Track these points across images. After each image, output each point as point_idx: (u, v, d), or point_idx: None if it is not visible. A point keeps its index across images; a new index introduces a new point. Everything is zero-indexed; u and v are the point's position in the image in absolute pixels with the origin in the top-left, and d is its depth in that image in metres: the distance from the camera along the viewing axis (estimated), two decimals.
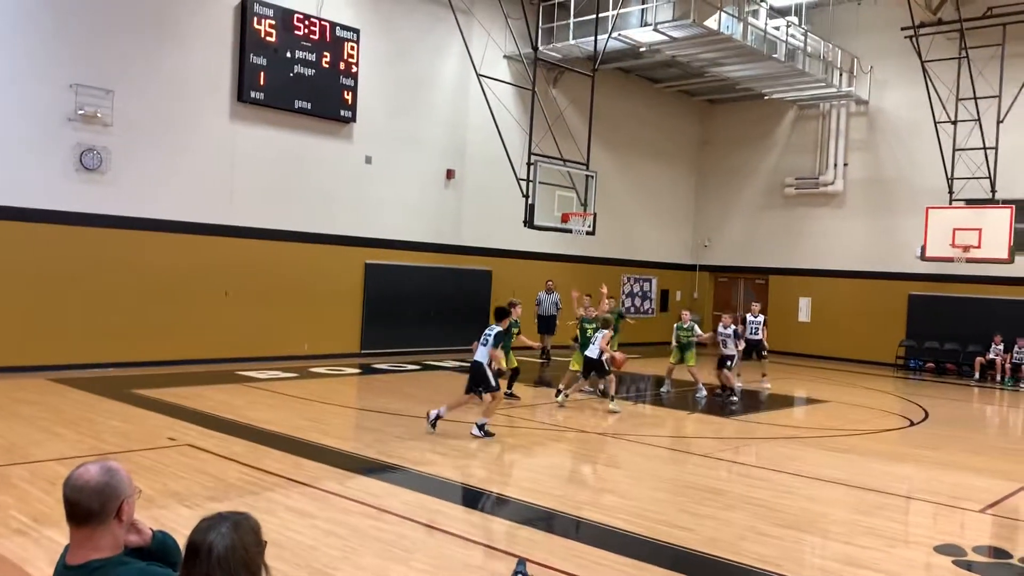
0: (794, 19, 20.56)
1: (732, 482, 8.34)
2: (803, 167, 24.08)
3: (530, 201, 15.92)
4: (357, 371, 15.57)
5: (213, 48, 14.89)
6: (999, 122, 18.84)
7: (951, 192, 19.18)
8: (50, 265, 13.09)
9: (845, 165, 23.15)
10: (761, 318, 16.48)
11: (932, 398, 16.07)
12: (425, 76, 18.40)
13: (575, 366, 13.05)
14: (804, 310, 23.67)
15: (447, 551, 5.76)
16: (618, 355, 12.64)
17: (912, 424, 12.92)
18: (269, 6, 15.33)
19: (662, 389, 14.82)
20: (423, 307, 18.38)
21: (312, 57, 15.97)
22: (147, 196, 14.10)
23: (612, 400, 12.31)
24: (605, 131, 21.21)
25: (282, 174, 15.94)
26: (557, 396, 12.61)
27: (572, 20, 18.79)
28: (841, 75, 21.94)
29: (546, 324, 18.54)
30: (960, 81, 18.67)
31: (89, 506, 2.43)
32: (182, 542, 2.37)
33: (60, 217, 13.13)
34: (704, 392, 14.42)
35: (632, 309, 24.11)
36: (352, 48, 16.62)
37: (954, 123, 18.94)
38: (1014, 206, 18.14)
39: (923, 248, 18.70)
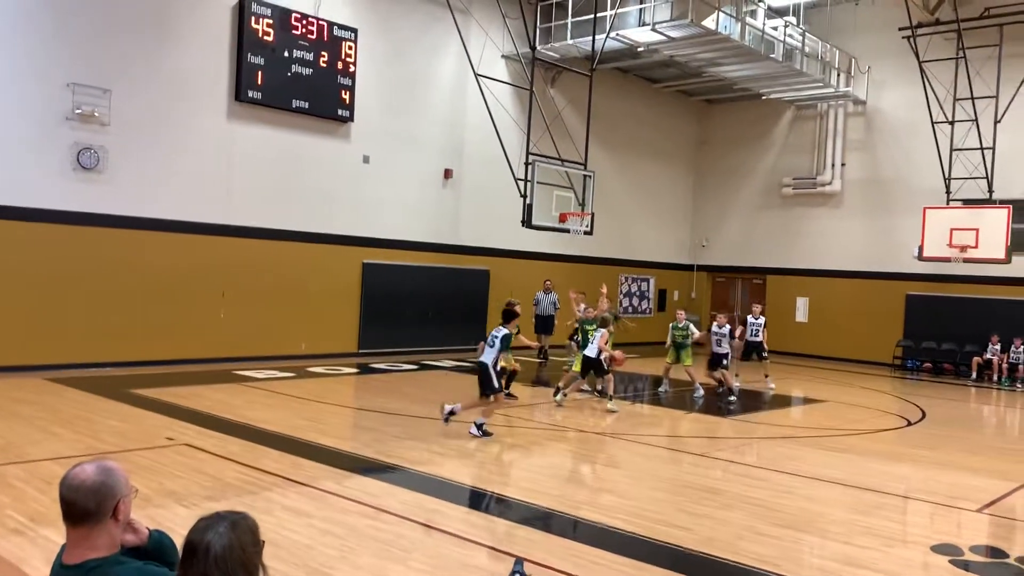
0: (792, 19, 20.58)
1: (730, 482, 8.34)
2: (801, 167, 24.10)
3: (528, 201, 15.92)
4: (355, 371, 15.56)
5: (211, 47, 14.87)
6: (996, 122, 18.88)
7: (948, 192, 19.21)
8: (47, 265, 13.06)
9: (843, 165, 23.18)
10: (762, 319, 16.40)
11: (929, 398, 16.09)
12: (423, 76, 18.39)
13: (576, 367, 13.05)
14: (801, 310, 23.70)
15: (445, 551, 5.75)
16: (617, 354, 12.65)
17: (909, 424, 12.94)
18: (267, 5, 15.31)
19: (660, 389, 14.83)
20: (421, 307, 18.38)
21: (310, 57, 15.96)
22: (145, 195, 14.08)
23: (610, 400, 12.32)
24: (603, 131, 21.22)
25: (280, 174, 15.93)
26: (555, 395, 12.61)
27: (570, 20, 18.79)
28: (839, 75, 21.96)
29: (544, 324, 18.53)
30: (957, 81, 18.70)
31: (85, 506, 2.42)
32: (180, 542, 2.36)
33: (57, 216, 13.11)
34: (701, 392, 14.43)
35: (630, 309, 24.13)
36: (350, 48, 16.61)
37: (951, 123, 18.97)
38: (1011, 206, 18.17)
39: (920, 248, 18.71)
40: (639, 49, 19.44)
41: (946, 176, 19.13)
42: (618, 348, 13.21)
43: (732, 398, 14.13)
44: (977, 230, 17.89)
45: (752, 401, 14.72)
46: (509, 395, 12.59)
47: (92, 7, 13.41)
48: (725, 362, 14.48)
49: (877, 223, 22.26)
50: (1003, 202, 18.58)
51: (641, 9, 18.26)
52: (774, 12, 20.25)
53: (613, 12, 17.63)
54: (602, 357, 12.27)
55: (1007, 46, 19.02)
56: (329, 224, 16.72)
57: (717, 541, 6.22)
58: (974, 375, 19.76)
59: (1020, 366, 19.07)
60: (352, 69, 16.64)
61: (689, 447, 10.41)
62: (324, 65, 16.17)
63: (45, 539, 5.43)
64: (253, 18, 15.12)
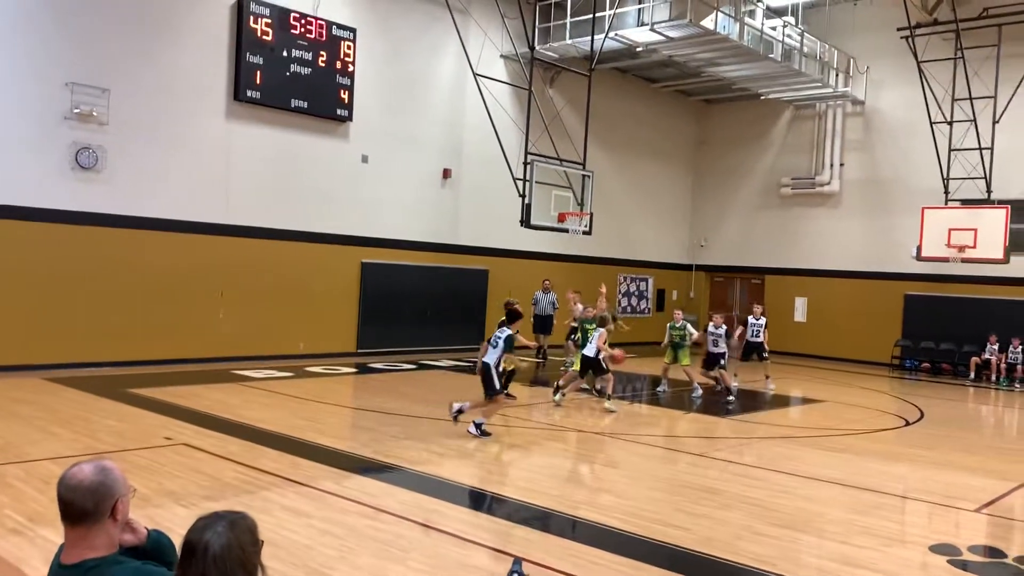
0: (790, 19, 20.59)
1: (728, 482, 8.34)
2: (799, 167, 24.12)
3: (527, 201, 15.91)
4: (353, 370, 15.56)
5: (209, 47, 14.86)
6: (995, 122, 18.90)
7: (947, 192, 19.22)
8: (46, 264, 13.05)
9: (841, 165, 23.19)
10: (763, 320, 16.25)
11: (928, 398, 16.10)
12: (422, 75, 18.38)
13: (576, 366, 13.07)
14: (800, 310, 23.71)
15: (443, 551, 5.75)
16: (617, 352, 12.63)
17: (908, 424, 12.95)
18: (266, 5, 15.30)
19: (659, 389, 14.83)
20: (419, 306, 18.37)
21: (308, 56, 15.95)
22: (143, 195, 14.07)
23: (609, 399, 12.32)
24: (602, 131, 21.23)
25: (278, 173, 15.92)
26: (555, 395, 12.61)
27: (569, 20, 18.80)
28: (837, 75, 21.97)
29: (543, 324, 18.54)
30: (956, 81, 18.72)
31: (83, 505, 2.42)
32: (178, 542, 2.36)
33: (55, 216, 13.10)
34: (700, 391, 14.44)
35: (628, 309, 24.14)
36: (349, 47, 16.60)
37: (950, 123, 18.98)
38: (1009, 206, 18.18)
39: (919, 248, 18.73)
40: (638, 49, 19.45)
41: (944, 176, 19.15)
42: (618, 347, 13.21)
43: (730, 398, 14.13)
44: (975, 230, 17.90)
45: (750, 401, 14.72)
46: (508, 395, 12.59)
47: (91, 7, 13.41)
48: (723, 362, 14.49)
49: (876, 223, 22.28)
50: (1001, 202, 18.60)
51: (640, 9, 18.27)
52: (773, 12, 20.26)
53: (612, 12, 17.63)
54: (600, 357, 12.27)
55: (1005, 46, 19.04)
56: (328, 224, 16.72)
57: (715, 541, 6.22)
58: (972, 375, 19.78)
59: (1018, 366, 19.09)
60: (351, 69, 16.64)
61: (687, 447, 10.41)
62: (323, 65, 16.16)
63: (43, 539, 5.42)
64: (252, 17, 15.11)
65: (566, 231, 17.14)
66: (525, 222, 16.09)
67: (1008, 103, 18.93)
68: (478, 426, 9.72)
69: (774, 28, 19.95)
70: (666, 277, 25.62)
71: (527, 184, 15.89)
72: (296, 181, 16.18)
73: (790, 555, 6.13)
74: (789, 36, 20.22)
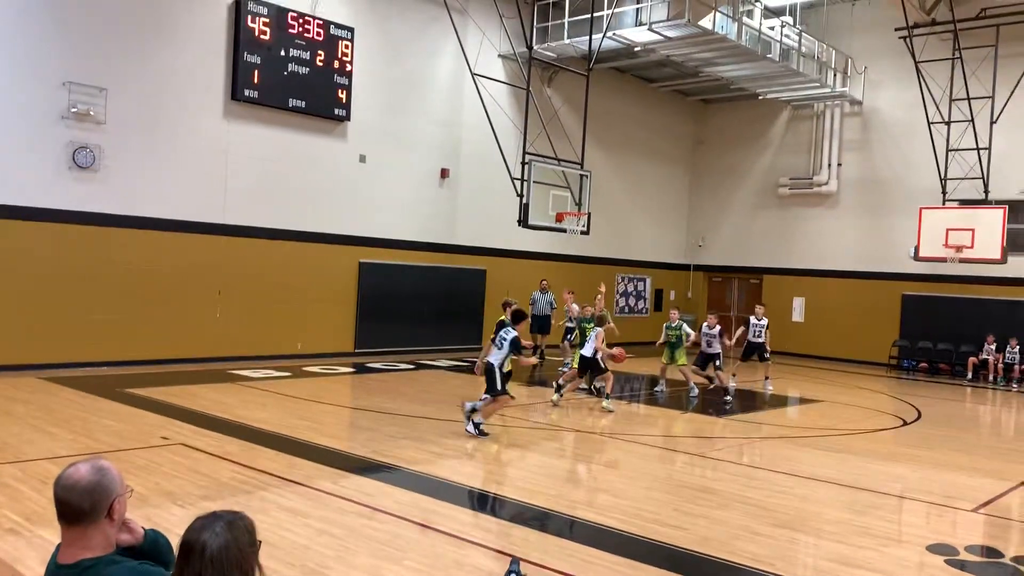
0: (788, 19, 20.59)
1: (726, 481, 8.35)
2: (797, 167, 24.13)
3: (524, 200, 15.91)
4: (351, 370, 15.55)
5: (207, 46, 14.85)
6: (992, 123, 18.92)
7: (944, 192, 19.23)
8: (43, 264, 13.03)
9: (839, 165, 23.21)
10: (764, 321, 16.08)
11: (925, 398, 16.12)
12: (419, 75, 18.37)
13: (574, 364, 13.08)
14: (798, 310, 23.73)
15: (441, 550, 5.75)
16: (618, 351, 12.62)
17: (905, 424, 12.96)
18: (263, 4, 15.28)
19: (656, 388, 14.84)
20: (417, 306, 18.36)
21: (306, 56, 15.94)
22: (140, 194, 14.06)
23: (607, 399, 12.32)
24: (599, 130, 21.23)
25: (276, 173, 15.91)
26: (555, 394, 12.64)
27: (567, 19, 18.79)
28: (835, 75, 21.98)
29: (540, 324, 18.54)
30: (953, 82, 18.73)
31: (80, 505, 2.42)
32: (175, 542, 2.36)
33: (53, 215, 13.08)
34: (696, 391, 14.44)
35: (627, 309, 24.15)
36: (346, 47, 16.59)
37: (948, 124, 19.00)
38: (1007, 206, 18.21)
39: (916, 248, 18.74)
40: (636, 49, 19.45)
41: (942, 176, 19.17)
42: (618, 346, 13.20)
43: (728, 397, 14.14)
44: (973, 230, 17.92)
45: (748, 401, 14.73)
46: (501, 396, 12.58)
47: (88, 6, 13.39)
48: (718, 363, 14.48)
49: (873, 223, 22.30)
50: (999, 202, 18.62)
51: (638, 9, 18.27)
52: (771, 12, 20.28)
53: (610, 12, 17.64)
54: (599, 356, 12.26)
55: (1003, 46, 19.06)
56: (325, 223, 16.71)
57: (713, 541, 6.22)
58: (970, 375, 19.81)
59: (1015, 366, 19.12)
60: (349, 68, 16.62)
61: (685, 447, 10.41)
62: (321, 64, 16.15)
63: (41, 539, 5.42)
64: (249, 17, 15.10)
65: (564, 231, 17.15)
66: (523, 222, 16.09)
67: (1006, 103, 18.94)
68: (476, 425, 9.72)
69: (772, 28, 19.96)
70: (664, 277, 25.63)
71: (525, 184, 15.89)
72: (294, 181, 16.17)
73: (787, 555, 6.13)
74: (787, 36, 20.23)
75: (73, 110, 13.14)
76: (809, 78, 21.07)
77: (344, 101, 16.60)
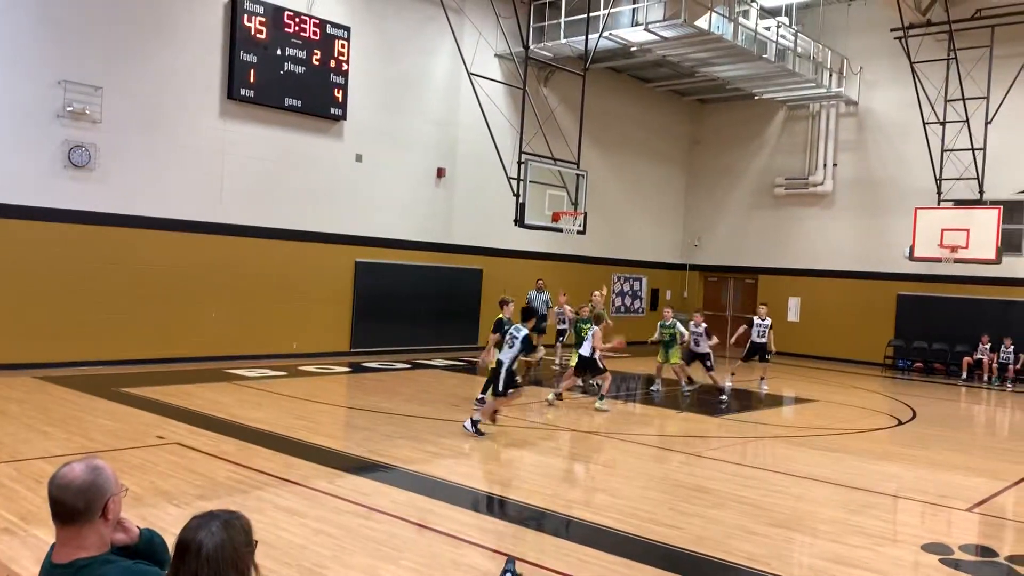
0: (784, 20, 20.62)
1: (721, 481, 8.36)
2: (793, 167, 24.17)
3: (521, 200, 15.93)
4: (347, 370, 15.53)
5: (203, 45, 14.82)
6: (987, 123, 18.96)
7: (939, 193, 19.28)
8: (38, 263, 13.00)
9: (835, 165, 23.26)
10: (768, 321, 15.99)
11: (920, 397, 16.16)
12: (416, 74, 18.36)
13: (572, 362, 13.09)
14: (793, 310, 23.76)
15: (437, 550, 5.75)
16: (617, 341, 12.59)
17: (900, 423, 12.99)
18: (259, 3, 15.25)
19: (652, 388, 14.85)
20: (413, 306, 18.35)
21: (303, 55, 15.92)
22: (136, 193, 14.03)
23: (601, 399, 12.32)
24: (596, 130, 21.24)
25: (272, 172, 15.89)
26: (557, 389, 12.67)
27: (563, 19, 18.80)
28: (831, 76, 22.03)
29: (536, 323, 18.51)
30: (949, 82, 18.77)
31: (74, 505, 2.42)
32: (171, 541, 2.36)
33: (48, 214, 13.04)
34: (687, 389, 14.46)
35: (623, 309, 24.16)
36: (343, 46, 16.57)
37: (943, 124, 19.03)
38: (1001, 207, 18.25)
39: (912, 248, 18.79)
40: (632, 49, 19.46)
41: (937, 177, 19.22)
42: (617, 338, 13.15)
43: (723, 397, 14.16)
44: (968, 230, 17.96)
45: (744, 401, 14.75)
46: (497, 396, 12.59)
47: (82, 4, 13.35)
48: (709, 362, 14.45)
49: (869, 223, 22.35)
50: (994, 203, 18.67)
51: (634, 9, 18.28)
52: (767, 12, 20.31)
53: (606, 12, 17.65)
54: (597, 356, 12.26)
55: (998, 47, 19.10)
56: (321, 223, 16.69)
57: (708, 540, 6.23)
58: (964, 375, 19.86)
59: (1010, 366, 19.17)
60: (345, 67, 16.61)
61: (681, 446, 10.42)
62: (317, 63, 16.13)
63: (35, 538, 5.41)
64: (245, 16, 15.07)
65: (560, 230, 17.16)
66: (519, 221, 16.10)
67: (1000, 104, 18.98)
68: (475, 423, 9.73)
69: (768, 28, 19.99)
70: (660, 277, 25.65)
71: (521, 183, 15.90)
72: (290, 180, 16.15)
73: (783, 554, 6.15)
74: (783, 36, 20.26)
75: (68, 109, 13.11)
76: (805, 78, 21.11)
77: (340, 100, 16.58)
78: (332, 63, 16.38)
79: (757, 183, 24.89)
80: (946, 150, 19.20)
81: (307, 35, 15.97)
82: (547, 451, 9.75)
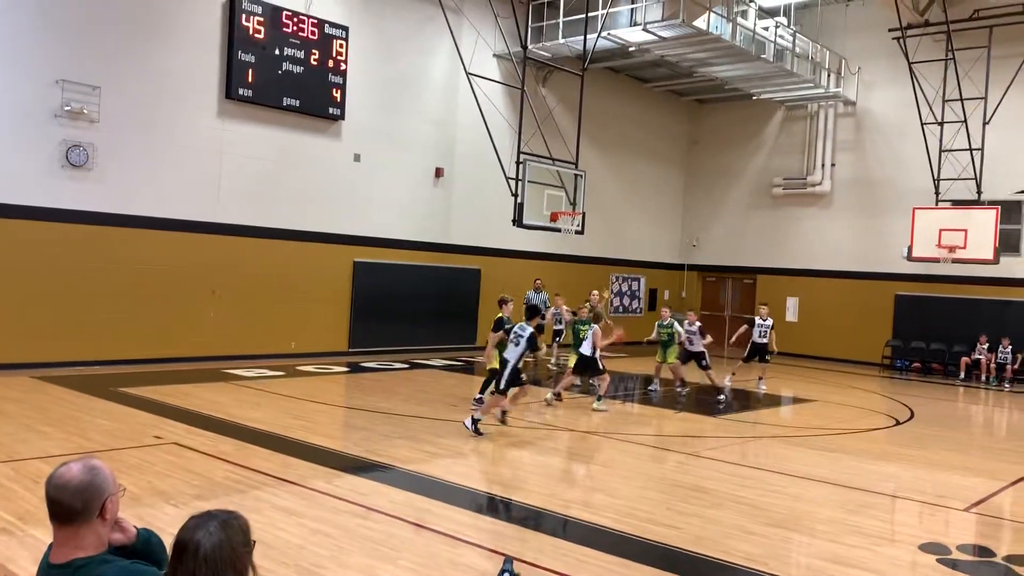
0: (783, 20, 20.63)
1: (719, 481, 8.36)
2: (791, 167, 24.19)
3: (519, 200, 15.91)
4: (345, 369, 15.53)
5: (201, 45, 14.81)
6: (985, 123, 18.97)
7: (937, 193, 19.29)
8: (35, 262, 12.98)
9: (833, 166, 23.27)
10: (770, 321, 16.00)
11: (918, 398, 16.17)
12: (414, 74, 18.36)
13: (571, 362, 13.10)
14: (791, 310, 23.77)
15: (435, 550, 5.75)
16: (616, 335, 12.57)
17: (898, 423, 13.00)
18: (258, 3, 15.25)
19: (650, 388, 14.86)
20: (412, 305, 18.34)
21: (301, 54, 15.91)
22: (134, 193, 14.02)
23: (599, 399, 12.32)
24: (594, 130, 21.23)
25: (270, 171, 15.88)
26: (556, 389, 12.67)
27: (561, 19, 18.80)
28: (829, 76, 22.04)
29: None
30: (947, 83, 18.78)
31: (72, 505, 2.41)
32: (169, 542, 2.35)
33: (46, 214, 13.02)
34: (679, 391, 14.47)
35: (621, 309, 24.16)
36: (341, 46, 16.56)
37: (941, 124, 19.05)
38: (999, 207, 18.27)
39: (909, 248, 18.80)
40: (630, 49, 19.46)
41: (935, 177, 19.22)
42: (616, 331, 13.14)
43: (721, 397, 14.16)
44: (966, 231, 17.98)
45: (742, 401, 14.76)
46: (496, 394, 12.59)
47: (82, 4, 13.34)
48: (704, 362, 14.44)
49: (867, 223, 22.36)
50: (992, 203, 18.68)
51: (632, 9, 18.28)
52: (765, 12, 20.31)
53: (604, 12, 17.65)
54: (597, 355, 12.26)
55: (996, 48, 19.12)
56: (320, 222, 16.68)
57: (706, 540, 6.23)
58: (962, 375, 19.88)
59: (1008, 366, 19.19)
60: (343, 67, 16.60)
61: (678, 446, 10.42)
62: (315, 63, 16.12)
63: (33, 538, 5.40)
64: (244, 15, 15.07)
65: (558, 231, 17.15)
66: (517, 221, 16.09)
67: (998, 104, 19.00)
68: (475, 422, 9.72)
69: (766, 29, 20.00)
70: (658, 277, 25.66)
71: (519, 183, 15.89)
72: (288, 180, 16.14)
73: (780, 554, 6.15)
74: (781, 37, 20.27)
75: (66, 108, 13.09)
76: (803, 79, 21.13)
77: (338, 100, 16.57)
78: (330, 63, 16.38)
79: (755, 183, 24.90)
80: (944, 150, 19.21)
81: (305, 35, 15.96)
82: (545, 451, 9.75)
